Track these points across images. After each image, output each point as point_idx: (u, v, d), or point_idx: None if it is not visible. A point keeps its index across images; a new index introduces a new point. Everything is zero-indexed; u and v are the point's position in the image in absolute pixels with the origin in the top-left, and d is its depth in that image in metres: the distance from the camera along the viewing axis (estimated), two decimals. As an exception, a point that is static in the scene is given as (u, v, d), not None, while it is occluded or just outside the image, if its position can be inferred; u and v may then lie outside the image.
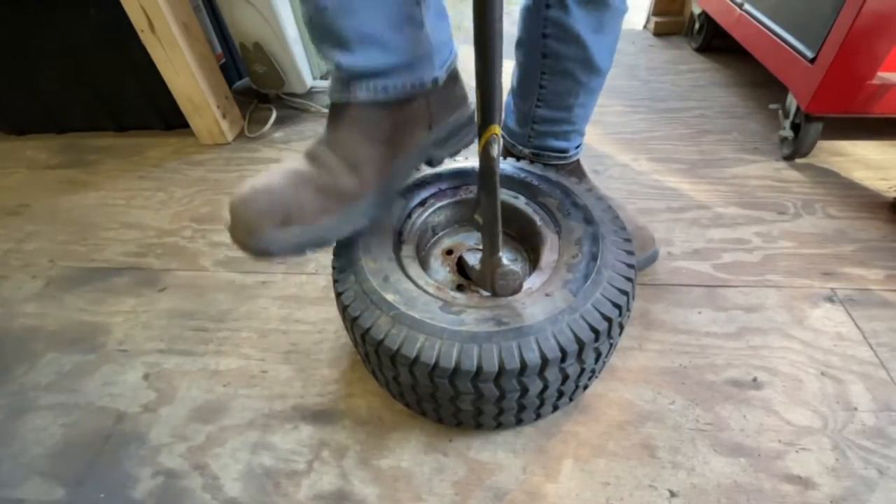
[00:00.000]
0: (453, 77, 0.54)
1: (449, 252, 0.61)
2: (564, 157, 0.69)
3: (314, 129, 1.19)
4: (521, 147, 0.71)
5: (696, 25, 1.39)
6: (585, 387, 0.54)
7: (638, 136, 1.05)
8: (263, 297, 0.75)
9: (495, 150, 0.43)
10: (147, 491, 0.53)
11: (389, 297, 0.49)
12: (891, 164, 0.89)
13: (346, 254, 0.54)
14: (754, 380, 0.58)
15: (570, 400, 0.54)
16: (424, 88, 0.50)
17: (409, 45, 0.47)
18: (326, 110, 1.23)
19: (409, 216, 0.60)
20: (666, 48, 1.46)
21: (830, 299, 0.66)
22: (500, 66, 0.40)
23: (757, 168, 0.91)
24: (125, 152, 1.18)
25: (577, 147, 0.70)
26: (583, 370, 0.47)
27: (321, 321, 0.70)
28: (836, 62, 0.75)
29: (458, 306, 0.48)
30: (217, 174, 1.06)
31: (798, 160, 0.91)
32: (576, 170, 0.72)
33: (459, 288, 0.55)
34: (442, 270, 0.59)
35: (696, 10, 1.37)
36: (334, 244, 0.54)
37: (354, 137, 0.48)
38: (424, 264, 0.59)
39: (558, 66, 0.61)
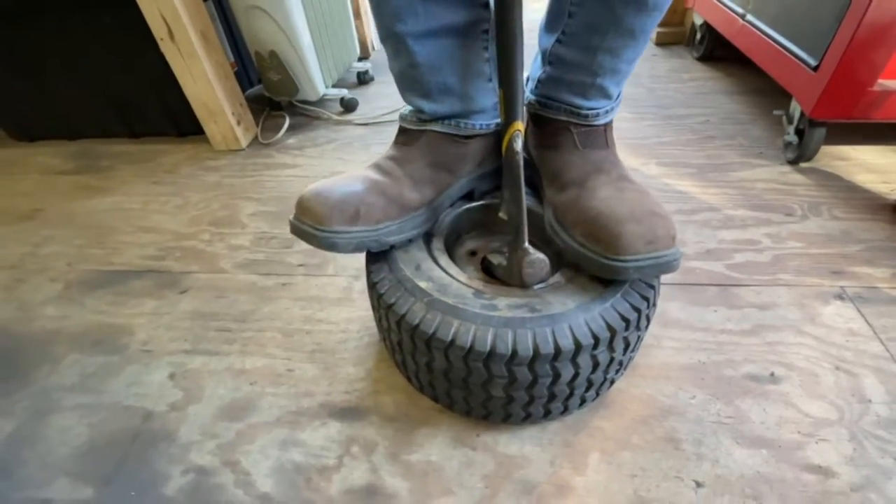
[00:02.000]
0: None
1: (473, 253, 0.62)
2: (575, 115, 0.54)
3: (327, 135, 1.21)
4: (529, 95, 0.59)
5: (698, 35, 1.43)
6: (612, 381, 0.55)
7: (646, 141, 1.07)
8: (285, 298, 0.76)
9: (519, 145, 0.47)
10: (178, 488, 0.53)
11: (423, 284, 0.50)
12: (892, 167, 0.92)
13: (391, 257, 0.56)
14: (772, 374, 0.60)
15: (597, 395, 0.55)
16: (489, 129, 0.57)
17: (481, 95, 0.55)
18: (338, 118, 1.26)
19: (442, 219, 0.61)
20: (668, 58, 1.50)
21: (840, 297, 0.69)
22: (522, 65, 0.42)
23: (763, 172, 0.94)
24: (139, 158, 1.20)
25: (597, 110, 0.53)
26: (612, 359, 0.48)
27: (343, 321, 0.71)
28: (838, 70, 0.78)
29: (490, 292, 0.49)
30: (232, 179, 1.07)
31: (802, 164, 0.94)
32: (594, 140, 0.54)
33: None
34: (468, 269, 0.60)
35: (698, 21, 1.41)
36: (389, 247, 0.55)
37: (422, 160, 0.55)
38: None
39: None
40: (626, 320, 0.46)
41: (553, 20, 0.53)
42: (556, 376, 0.46)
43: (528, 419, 0.54)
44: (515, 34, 0.40)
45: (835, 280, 0.71)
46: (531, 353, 0.44)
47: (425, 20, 0.47)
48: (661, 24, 1.57)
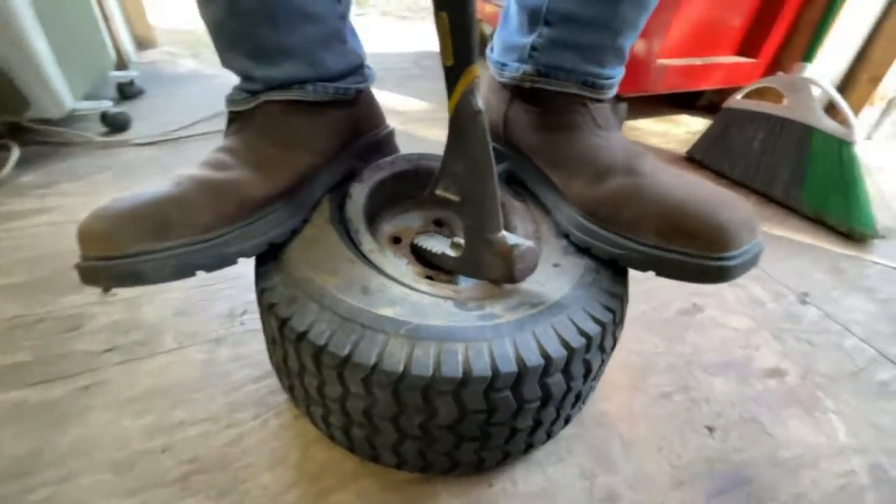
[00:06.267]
0: (370, 96, 0.51)
1: (396, 240, 0.48)
2: (589, 86, 0.42)
3: (92, 163, 0.85)
4: (517, 66, 0.45)
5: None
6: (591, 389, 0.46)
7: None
8: (96, 408, 0.45)
9: (478, 101, 0.33)
10: None
11: (387, 311, 0.34)
12: (667, 131, 1.17)
13: (282, 281, 0.37)
14: (694, 305, 0.64)
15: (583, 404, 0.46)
16: (348, 94, 0.45)
17: (333, 58, 0.43)
18: (104, 139, 0.90)
19: (349, 195, 0.45)
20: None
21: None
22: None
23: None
24: None
25: (613, 79, 0.43)
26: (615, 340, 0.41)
27: (224, 409, 0.46)
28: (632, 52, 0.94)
29: (475, 300, 0.37)
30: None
31: (613, 137, 1.11)
32: (609, 119, 0.44)
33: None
34: (397, 263, 0.45)
35: (489, 30, 1.56)
36: (236, 262, 0.37)
37: (263, 140, 0.41)
38: None
39: None
40: (620, 297, 0.39)
41: None
42: (588, 370, 0.37)
43: (526, 451, 0.42)
44: None
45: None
46: (564, 353, 0.34)
47: None
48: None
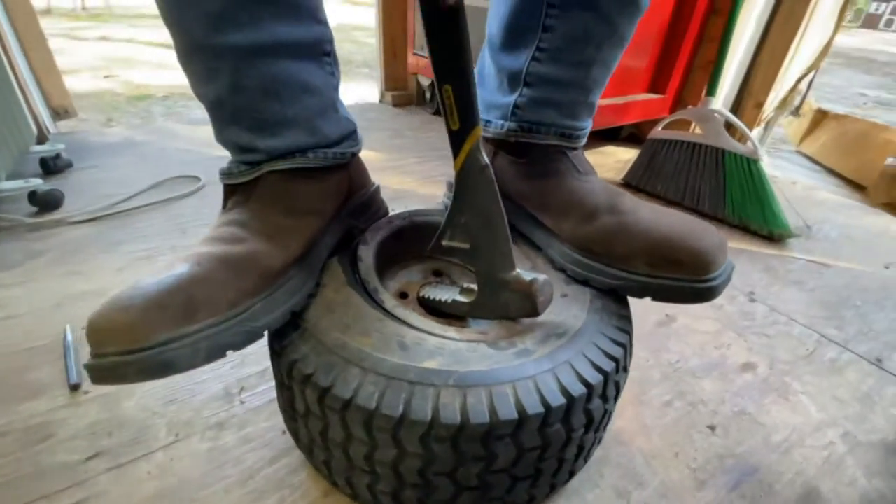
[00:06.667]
0: (359, 157, 0.53)
1: (403, 295, 0.49)
2: (567, 137, 0.48)
3: (24, 248, 0.76)
4: (501, 122, 0.50)
5: (427, 94, 1.67)
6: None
7: (441, 176, 1.15)
8: (96, 528, 0.40)
9: (484, 156, 0.38)
10: None
11: (430, 364, 0.35)
12: (601, 162, 1.30)
13: (313, 350, 0.37)
14: (667, 316, 0.70)
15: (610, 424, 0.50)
16: (345, 159, 0.47)
17: (330, 126, 0.45)
18: (35, 220, 0.82)
19: (359, 258, 0.47)
20: (410, 115, 1.69)
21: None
22: (471, 54, 0.34)
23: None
24: None
25: (585, 130, 0.49)
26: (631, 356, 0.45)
27: (240, 501, 0.42)
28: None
29: (503, 338, 0.39)
30: None
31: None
32: (585, 163, 0.50)
33: None
34: (411, 317, 0.46)
35: (425, 82, 1.65)
36: (263, 336, 0.37)
37: (272, 209, 0.42)
38: None
39: None
40: (629, 318, 0.44)
41: (517, 36, 0.46)
42: (617, 391, 0.40)
43: (567, 480, 0.44)
44: (461, 9, 0.32)
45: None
46: (600, 378, 0.37)
47: (253, 32, 0.37)
48: (392, 89, 1.76)
